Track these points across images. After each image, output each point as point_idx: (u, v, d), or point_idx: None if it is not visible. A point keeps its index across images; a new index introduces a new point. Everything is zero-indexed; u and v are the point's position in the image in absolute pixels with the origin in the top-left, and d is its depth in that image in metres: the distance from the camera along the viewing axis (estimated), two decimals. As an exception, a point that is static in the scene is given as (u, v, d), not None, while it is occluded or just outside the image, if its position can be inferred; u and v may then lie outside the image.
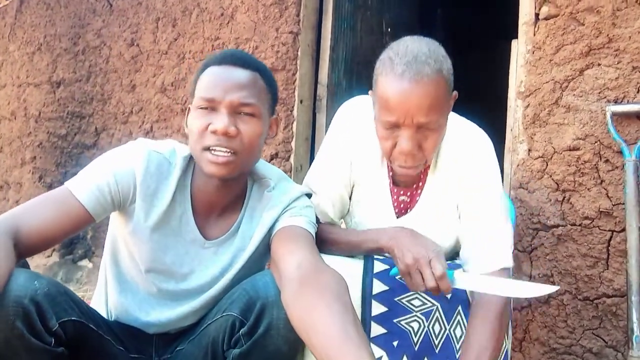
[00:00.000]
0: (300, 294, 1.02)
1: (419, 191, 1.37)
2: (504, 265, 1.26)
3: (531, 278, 1.84)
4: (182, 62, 2.95)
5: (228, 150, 1.17)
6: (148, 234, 1.26)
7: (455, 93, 1.25)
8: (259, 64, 1.28)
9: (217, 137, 1.17)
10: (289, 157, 2.54)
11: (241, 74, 1.21)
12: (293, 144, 2.54)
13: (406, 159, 1.21)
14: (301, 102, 2.56)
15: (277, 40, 2.57)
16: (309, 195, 1.38)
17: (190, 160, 1.30)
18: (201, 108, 1.20)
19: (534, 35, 1.92)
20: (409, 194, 1.37)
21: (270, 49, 2.58)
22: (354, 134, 1.37)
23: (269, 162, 2.54)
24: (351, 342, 0.89)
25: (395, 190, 1.38)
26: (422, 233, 1.26)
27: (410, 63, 1.14)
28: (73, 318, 1.09)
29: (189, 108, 1.28)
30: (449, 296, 1.25)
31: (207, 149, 1.18)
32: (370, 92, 1.29)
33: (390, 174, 1.37)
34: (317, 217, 1.37)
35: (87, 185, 1.19)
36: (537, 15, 1.92)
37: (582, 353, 1.76)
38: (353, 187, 1.42)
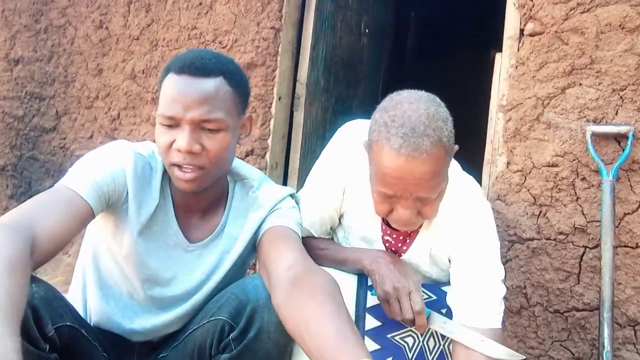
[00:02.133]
0: (291, 295, 1.01)
1: (408, 240, 1.34)
2: (493, 326, 1.21)
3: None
4: (154, 49, 2.84)
5: (194, 166, 1.14)
6: (134, 238, 1.22)
7: (456, 147, 1.19)
8: (222, 65, 1.18)
9: (182, 154, 1.13)
10: (265, 154, 2.50)
11: (202, 86, 1.13)
12: (270, 141, 2.50)
13: (404, 224, 1.18)
14: (279, 99, 2.51)
15: (258, 35, 2.51)
16: (293, 196, 1.37)
17: None
18: (163, 125, 1.15)
19: (518, 50, 1.95)
20: (395, 236, 1.34)
21: (251, 43, 2.52)
22: (350, 163, 1.33)
23: (244, 159, 2.50)
24: (346, 341, 0.88)
25: (384, 228, 1.36)
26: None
27: (408, 136, 1.06)
28: (67, 323, 1.06)
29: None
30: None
31: (174, 165, 1.15)
32: (364, 143, 1.21)
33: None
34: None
35: (87, 182, 1.14)
36: (522, 30, 1.95)
37: (550, 363, 1.82)
38: (343, 214, 1.41)
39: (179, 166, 1.14)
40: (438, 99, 1.16)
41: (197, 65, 1.15)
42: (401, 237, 1.34)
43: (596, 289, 1.73)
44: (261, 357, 1.13)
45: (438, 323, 1.19)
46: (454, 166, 1.32)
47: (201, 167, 1.15)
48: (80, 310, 1.29)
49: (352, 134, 1.35)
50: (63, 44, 3.23)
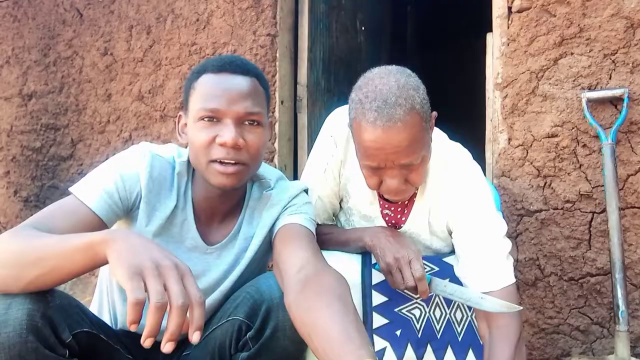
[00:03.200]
0: (301, 296, 1.02)
1: (406, 210, 1.38)
2: (507, 284, 1.25)
3: (518, 262, 1.90)
4: (158, 69, 2.93)
5: (236, 162, 1.16)
6: (149, 238, 1.24)
7: (434, 114, 1.24)
8: (255, 68, 1.25)
9: (225, 149, 1.15)
10: (273, 157, 2.56)
11: (243, 82, 1.18)
12: (276, 144, 2.56)
13: (395, 193, 1.22)
14: (282, 103, 2.58)
15: (255, 43, 2.58)
16: (307, 191, 1.38)
17: (189, 165, 1.29)
18: (203, 119, 1.16)
19: (508, 28, 1.98)
20: (393, 209, 1.39)
21: (249, 52, 2.59)
22: (340, 146, 1.38)
23: (253, 164, 2.56)
24: (351, 342, 0.88)
25: (382, 203, 1.40)
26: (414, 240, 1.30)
27: (381, 108, 1.11)
28: (85, 329, 1.08)
29: (180, 116, 1.27)
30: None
31: (214, 161, 1.16)
32: (347, 124, 1.27)
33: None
34: None
35: (95, 191, 1.16)
36: (509, 8, 1.98)
37: (570, 331, 1.83)
38: (342, 197, 1.45)
39: (220, 162, 1.15)
40: (408, 70, 1.21)
41: (238, 64, 1.20)
42: (399, 209, 1.38)
43: (608, 252, 1.74)
44: (279, 353, 1.15)
45: (439, 287, 1.22)
46: (440, 136, 1.36)
47: (243, 163, 1.17)
48: (106, 315, 1.34)
49: (338, 119, 1.40)
50: (72, 74, 3.35)
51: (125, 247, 0.89)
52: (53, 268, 0.96)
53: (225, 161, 1.16)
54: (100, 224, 1.15)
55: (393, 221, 1.39)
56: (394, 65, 1.22)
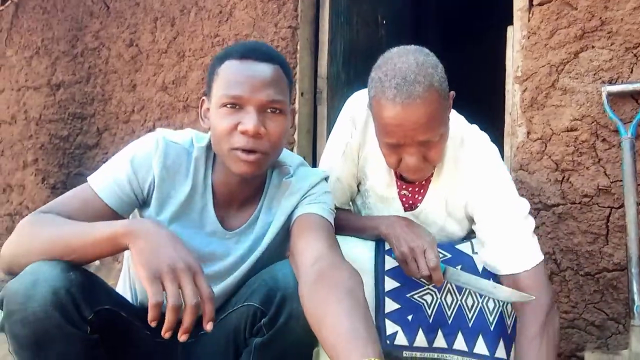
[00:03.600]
0: (313, 289, 1.03)
1: (422, 190, 1.40)
2: (536, 263, 1.28)
3: (534, 256, 1.90)
4: (182, 60, 2.99)
5: (257, 150, 1.17)
6: (165, 224, 1.26)
7: (452, 93, 1.26)
8: (279, 56, 1.25)
9: (246, 138, 1.15)
10: (292, 149, 2.59)
11: (266, 70, 1.18)
12: (296, 136, 2.59)
13: (415, 171, 1.25)
14: (302, 94, 2.60)
15: (277, 36, 2.61)
16: (327, 179, 1.38)
17: (209, 151, 1.29)
18: (226, 106, 1.17)
19: (529, 21, 1.97)
20: (410, 189, 1.41)
21: (270, 43, 2.62)
22: (359, 128, 1.40)
23: (273, 154, 2.59)
24: (359, 339, 0.89)
25: (399, 184, 1.42)
26: (429, 228, 1.32)
27: (400, 85, 1.14)
28: (106, 307, 1.12)
29: (203, 100, 1.27)
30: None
31: (236, 149, 1.17)
32: (367, 104, 1.30)
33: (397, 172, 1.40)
34: None
35: (107, 182, 1.19)
36: (531, 1, 1.97)
37: (585, 326, 1.82)
38: (360, 180, 1.47)
39: (242, 150, 1.16)
40: (427, 50, 1.24)
41: (263, 50, 1.21)
42: (416, 189, 1.40)
43: (625, 248, 1.72)
44: (292, 341, 1.17)
45: (453, 276, 1.24)
46: (458, 118, 1.38)
47: (263, 152, 1.18)
48: (127, 290, 1.38)
49: (357, 102, 1.42)
50: (99, 64, 3.43)
51: (146, 246, 1.00)
52: (79, 255, 1.07)
53: (247, 149, 1.16)
54: (113, 214, 1.19)
55: (410, 202, 1.41)
56: (412, 45, 1.25)
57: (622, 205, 1.74)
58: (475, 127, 1.40)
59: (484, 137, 1.38)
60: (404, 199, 1.41)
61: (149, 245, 1.00)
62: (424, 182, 1.39)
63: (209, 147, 1.29)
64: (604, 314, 1.79)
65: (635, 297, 1.57)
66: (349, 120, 1.42)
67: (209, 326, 1.00)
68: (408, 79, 1.14)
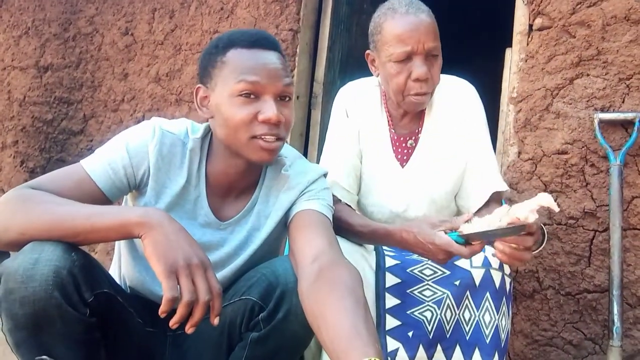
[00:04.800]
0: (314, 287, 1.03)
1: (419, 135, 1.54)
2: (500, 189, 1.48)
3: (517, 273, 1.94)
4: (178, 53, 2.97)
5: (276, 136, 1.18)
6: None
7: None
8: (279, 44, 1.27)
9: (268, 126, 1.16)
10: (284, 151, 2.60)
11: (275, 57, 1.19)
12: (288, 139, 2.59)
13: (422, 84, 1.40)
14: (297, 98, 2.62)
15: (277, 37, 2.62)
16: (326, 176, 1.38)
17: (204, 141, 1.28)
18: (241, 95, 1.16)
19: (528, 44, 2.03)
20: (413, 138, 1.55)
21: (270, 44, 2.63)
22: (354, 108, 1.54)
23: (264, 155, 2.59)
24: (359, 338, 0.89)
25: (396, 137, 1.54)
26: (425, 176, 1.50)
27: (410, 4, 1.41)
28: (105, 290, 1.11)
29: (199, 88, 1.24)
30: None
31: (255, 137, 1.17)
32: (368, 52, 1.53)
33: (390, 124, 1.55)
34: (334, 197, 1.42)
35: (101, 166, 1.18)
36: (530, 26, 2.03)
37: (563, 345, 1.87)
38: (362, 156, 1.55)
39: (263, 138, 1.16)
40: None
41: (269, 39, 1.22)
42: (413, 138, 1.55)
43: (606, 271, 1.78)
44: (289, 337, 1.17)
45: (467, 230, 1.15)
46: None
47: (281, 138, 1.20)
48: (117, 277, 1.36)
49: (348, 92, 1.60)
50: (90, 50, 3.38)
51: (161, 239, 1.02)
52: (83, 239, 1.06)
53: (267, 137, 1.17)
54: (103, 198, 1.18)
55: (404, 143, 1.54)
56: None
57: (606, 229, 1.80)
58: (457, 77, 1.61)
59: (465, 82, 1.58)
60: (399, 156, 1.54)
61: (164, 238, 1.01)
62: (416, 130, 1.54)
63: (204, 137, 1.28)
64: (582, 333, 1.84)
65: (615, 318, 1.63)
66: (342, 111, 1.56)
67: (216, 320, 1.03)
68: (414, 2, 1.42)
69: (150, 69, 3.07)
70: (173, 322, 0.98)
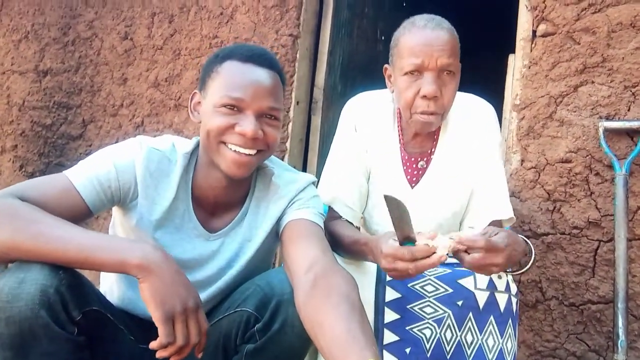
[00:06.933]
0: (310, 296, 1.04)
1: (431, 156, 1.47)
2: (508, 216, 1.41)
3: (520, 283, 1.91)
4: (177, 58, 2.94)
5: (252, 149, 1.18)
6: (151, 231, 1.25)
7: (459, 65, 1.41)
8: (278, 64, 1.28)
9: (243, 139, 1.17)
10: (283, 157, 2.57)
11: (267, 77, 1.20)
12: (288, 144, 2.57)
13: (429, 103, 1.33)
14: (297, 103, 2.59)
15: (277, 42, 2.60)
16: (315, 184, 1.39)
17: (191, 156, 1.29)
18: (225, 106, 1.18)
19: (531, 51, 2.00)
20: (425, 159, 1.48)
21: (270, 50, 2.60)
22: (362, 132, 1.46)
23: (264, 161, 2.56)
24: (356, 343, 0.90)
25: (407, 157, 1.48)
26: (434, 198, 1.44)
27: (430, 19, 1.36)
28: (94, 308, 1.09)
29: (195, 93, 1.27)
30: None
31: (225, 143, 1.18)
32: (386, 66, 1.47)
33: (402, 142, 1.48)
34: (335, 213, 1.40)
35: (88, 178, 1.16)
36: (534, 32, 2.00)
37: (566, 356, 1.84)
38: (370, 173, 1.50)
39: (235, 150, 1.17)
40: None
41: (266, 57, 1.23)
42: (425, 159, 1.49)
43: (611, 282, 1.75)
44: (285, 348, 1.16)
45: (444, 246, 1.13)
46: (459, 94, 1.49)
47: (258, 152, 1.20)
48: (108, 294, 1.33)
49: (354, 107, 1.51)
50: (90, 55, 3.36)
51: (159, 285, 1.02)
52: (74, 266, 1.05)
53: (240, 150, 1.18)
54: (86, 211, 1.16)
55: (415, 173, 1.48)
56: None
57: (610, 239, 1.77)
58: (475, 96, 1.55)
59: (483, 102, 1.52)
60: (408, 176, 1.48)
61: (162, 284, 1.02)
62: (429, 153, 1.47)
63: (192, 153, 1.29)
64: (585, 345, 1.81)
65: (620, 331, 1.59)
66: (351, 124, 1.49)
67: (200, 355, 1.09)
68: (436, 19, 1.37)
69: (150, 74, 3.05)
70: (163, 355, 1.03)
